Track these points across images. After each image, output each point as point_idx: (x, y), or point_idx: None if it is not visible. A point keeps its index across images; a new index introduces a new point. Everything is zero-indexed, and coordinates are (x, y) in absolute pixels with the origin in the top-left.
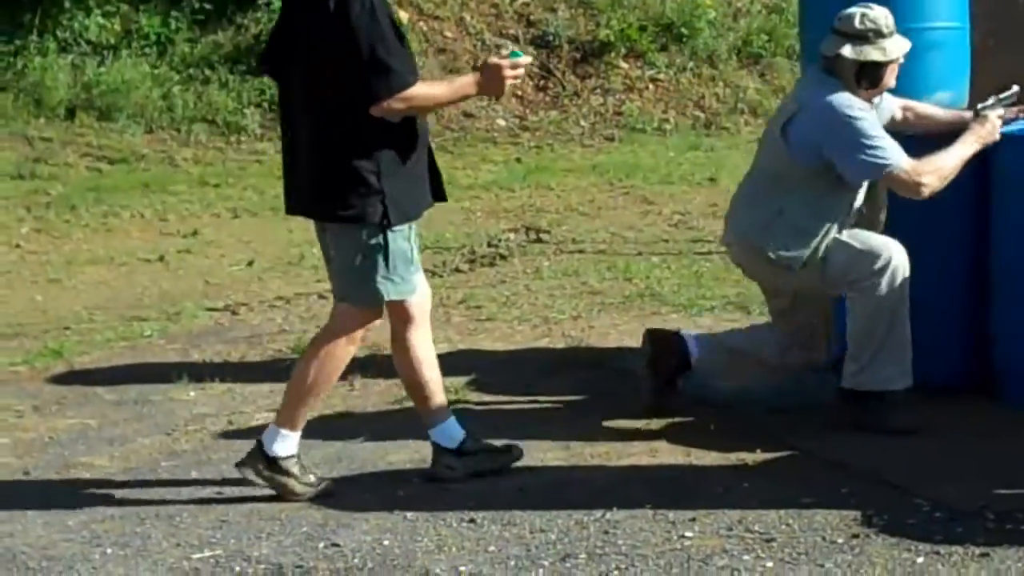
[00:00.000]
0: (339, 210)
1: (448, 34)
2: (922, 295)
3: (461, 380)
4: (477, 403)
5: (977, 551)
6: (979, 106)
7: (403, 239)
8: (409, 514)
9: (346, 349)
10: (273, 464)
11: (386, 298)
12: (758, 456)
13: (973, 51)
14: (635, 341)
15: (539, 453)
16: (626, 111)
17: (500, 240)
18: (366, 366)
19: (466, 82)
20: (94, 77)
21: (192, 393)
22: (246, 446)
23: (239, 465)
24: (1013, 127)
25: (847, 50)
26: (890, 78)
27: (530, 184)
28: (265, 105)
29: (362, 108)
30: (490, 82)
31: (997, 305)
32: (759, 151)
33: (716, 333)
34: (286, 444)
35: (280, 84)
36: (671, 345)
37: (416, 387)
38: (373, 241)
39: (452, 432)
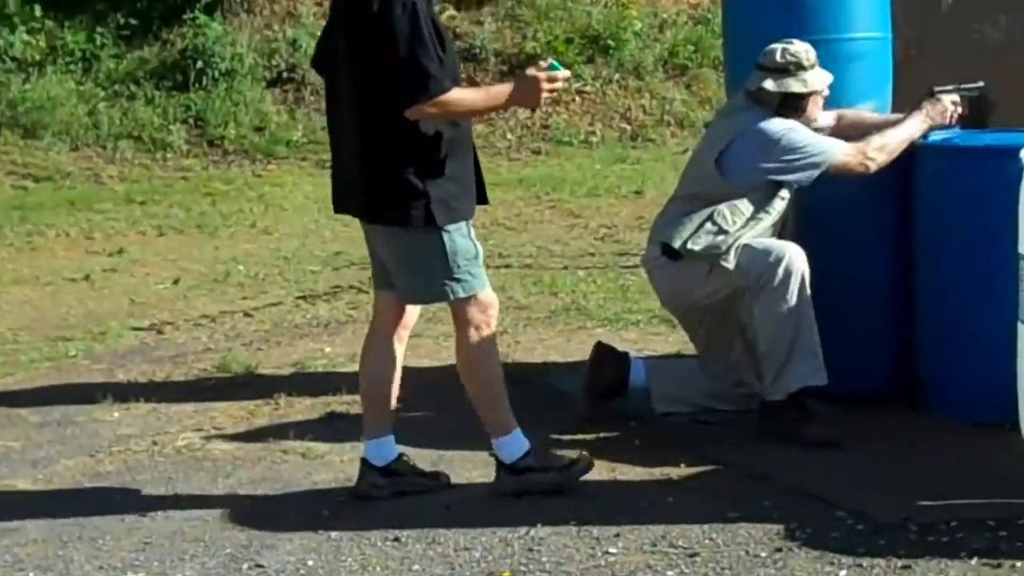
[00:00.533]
0: (385, 212)
1: None
2: (846, 305)
3: None
4: (403, 419)
5: (899, 563)
6: (936, 88)
7: (461, 236)
8: (333, 533)
9: (486, 339)
10: (517, 470)
11: (452, 297)
12: (682, 470)
13: (895, 61)
14: (561, 356)
15: (464, 470)
16: (552, 124)
17: None
18: (291, 384)
19: (502, 91)
20: (19, 94)
21: (116, 414)
22: (170, 467)
23: (501, 493)
24: (936, 137)
25: (769, 83)
26: (813, 109)
27: None
28: (191, 121)
29: (402, 111)
30: (527, 93)
31: (918, 315)
32: (686, 177)
33: (665, 361)
34: (515, 444)
35: (327, 83)
36: (614, 364)
37: (376, 391)
38: (425, 243)
39: (386, 451)
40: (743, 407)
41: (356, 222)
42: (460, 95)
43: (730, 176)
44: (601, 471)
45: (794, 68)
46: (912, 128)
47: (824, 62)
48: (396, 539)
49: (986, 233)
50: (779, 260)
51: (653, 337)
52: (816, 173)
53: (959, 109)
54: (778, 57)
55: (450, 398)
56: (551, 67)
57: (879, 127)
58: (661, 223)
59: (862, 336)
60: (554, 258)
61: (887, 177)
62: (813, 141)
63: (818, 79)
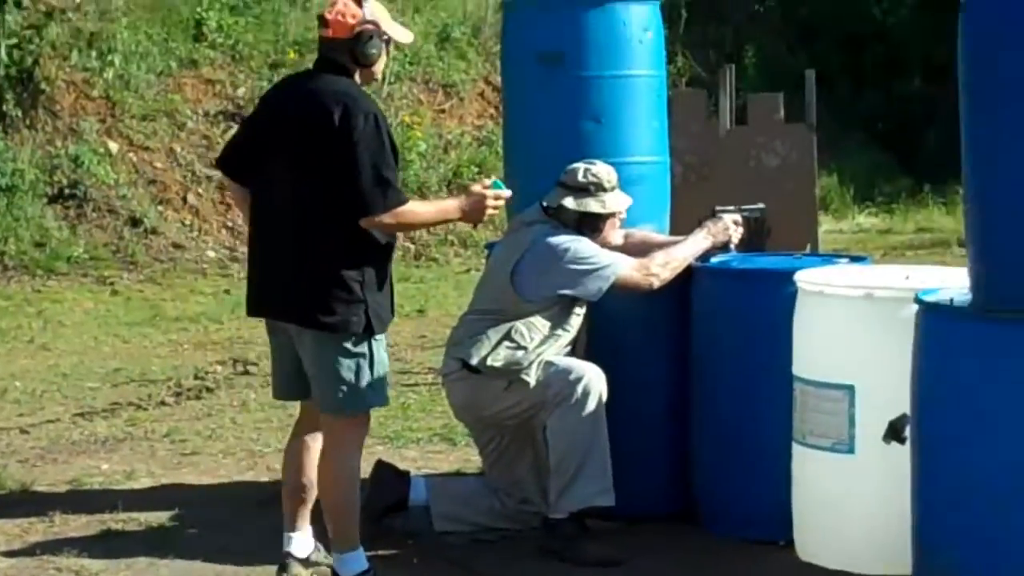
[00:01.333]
0: (323, 316)
1: (158, 165)
2: (628, 423)
3: (164, 515)
4: (181, 538)
5: None
6: (717, 208)
7: (383, 349)
8: None
9: (356, 457)
10: None
11: (366, 406)
12: None
13: (673, 185)
14: None
15: None
16: None
17: (207, 373)
18: (66, 502)
19: (451, 206)
20: None
21: None
22: None
23: None
24: (713, 260)
25: (569, 201)
26: (610, 231)
27: (239, 316)
28: None
29: (353, 219)
30: (474, 209)
31: (695, 434)
32: (481, 290)
33: (446, 480)
34: (356, 562)
35: (252, 188)
36: (395, 482)
37: (301, 491)
38: (359, 349)
39: (306, 544)
40: (524, 525)
41: (135, 338)
42: (414, 208)
43: (522, 290)
44: None
45: (594, 188)
46: (694, 246)
47: None
48: None
49: (761, 355)
50: (579, 379)
51: (434, 455)
52: (604, 286)
53: (740, 229)
54: (580, 176)
55: (226, 516)
56: (494, 185)
57: (664, 246)
58: (458, 337)
59: (643, 454)
60: None
61: (668, 299)
62: (599, 254)
63: (617, 201)
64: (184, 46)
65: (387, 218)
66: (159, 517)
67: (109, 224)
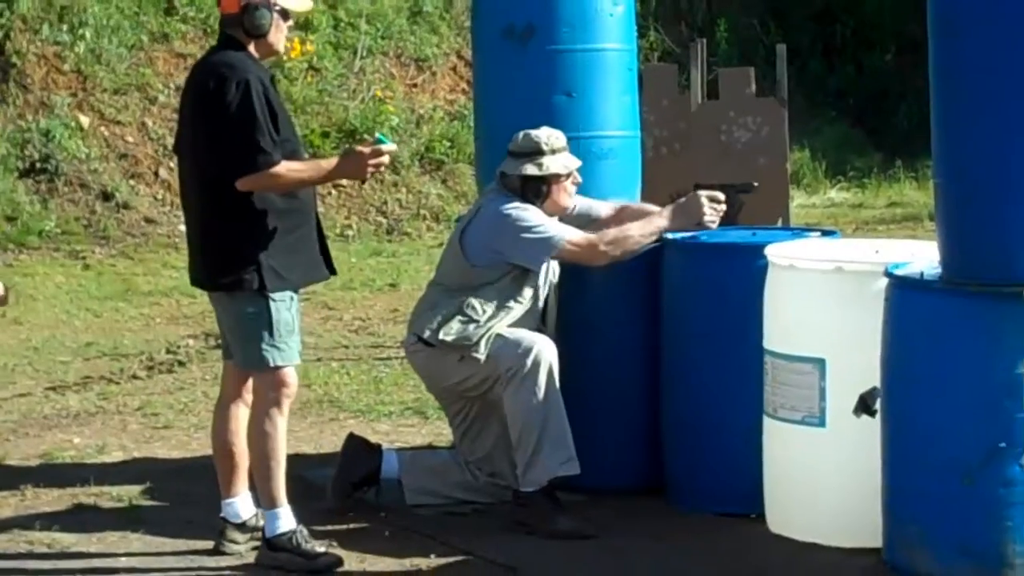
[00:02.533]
0: (218, 278)
1: (130, 139)
2: (599, 398)
3: (136, 488)
4: (152, 511)
5: None
6: (696, 184)
7: (285, 309)
8: None
9: (275, 415)
10: (273, 545)
11: (271, 364)
12: (432, 561)
13: (644, 159)
14: (313, 448)
15: (212, 562)
16: None
17: (179, 346)
18: (38, 476)
19: (326, 165)
20: None
21: None
22: None
23: (259, 563)
24: (683, 234)
25: (509, 166)
26: (560, 195)
27: None
28: None
29: (234, 182)
30: (352, 167)
31: (666, 407)
32: (442, 260)
33: (418, 453)
34: (277, 521)
35: (179, 162)
36: (366, 456)
37: (229, 456)
38: (254, 309)
39: (240, 509)
40: (495, 498)
41: (107, 312)
42: (287, 168)
43: (469, 255)
44: (351, 562)
45: (533, 152)
46: (656, 224)
47: None
48: None
49: (732, 328)
50: (528, 350)
51: (406, 429)
52: (545, 257)
53: (720, 206)
54: (520, 141)
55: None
56: (377, 140)
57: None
58: (419, 309)
59: (614, 428)
60: (308, 350)
61: (638, 273)
62: (543, 223)
63: (556, 163)
64: (156, 20)
65: (258, 179)
66: (131, 491)
67: (81, 198)
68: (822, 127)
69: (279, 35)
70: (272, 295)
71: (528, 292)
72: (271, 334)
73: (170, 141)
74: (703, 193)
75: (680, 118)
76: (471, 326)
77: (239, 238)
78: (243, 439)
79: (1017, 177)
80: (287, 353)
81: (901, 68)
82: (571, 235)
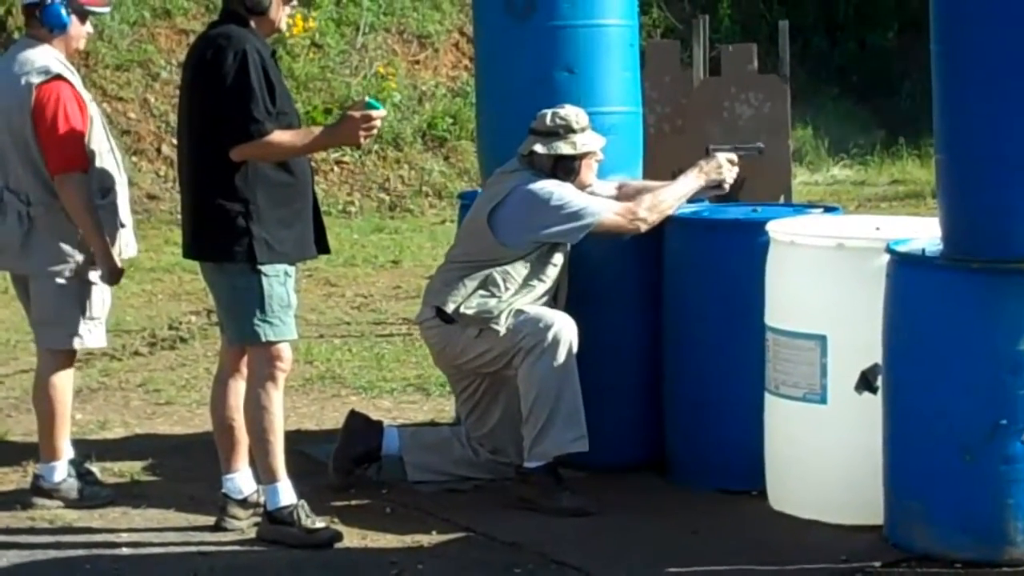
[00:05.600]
0: (208, 248)
1: (132, 115)
2: (600, 373)
3: (138, 464)
4: (153, 487)
5: None
6: (711, 146)
7: (279, 284)
8: None
9: (271, 389)
10: (274, 519)
11: (263, 339)
12: (433, 537)
13: (647, 135)
14: (315, 424)
15: (214, 537)
16: None
17: (181, 323)
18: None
19: (320, 132)
20: None
21: None
22: None
23: (260, 537)
24: (685, 210)
25: (539, 147)
26: (586, 172)
27: None
28: None
29: (228, 151)
30: (345, 133)
31: (666, 384)
32: (459, 240)
33: (419, 430)
34: (278, 495)
35: (178, 135)
36: (368, 432)
37: (229, 431)
38: (244, 282)
39: (243, 485)
40: (495, 475)
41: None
42: (280, 137)
43: (501, 235)
44: (352, 538)
45: (564, 131)
46: (685, 187)
47: None
48: None
49: (733, 305)
50: (549, 326)
51: (408, 405)
52: (583, 232)
53: (735, 168)
54: (548, 121)
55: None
56: (368, 105)
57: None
58: (436, 286)
59: (616, 404)
60: (310, 327)
61: (641, 248)
62: (581, 199)
63: (589, 141)
64: None
65: (252, 148)
66: (133, 467)
67: None
68: (825, 104)
69: (280, 13)
70: (263, 268)
71: (552, 271)
72: (262, 309)
73: (172, 118)
74: (722, 156)
75: (682, 95)
76: (492, 300)
77: (231, 209)
78: (242, 414)
79: (1018, 153)
80: (280, 328)
81: (904, 45)
82: (610, 206)
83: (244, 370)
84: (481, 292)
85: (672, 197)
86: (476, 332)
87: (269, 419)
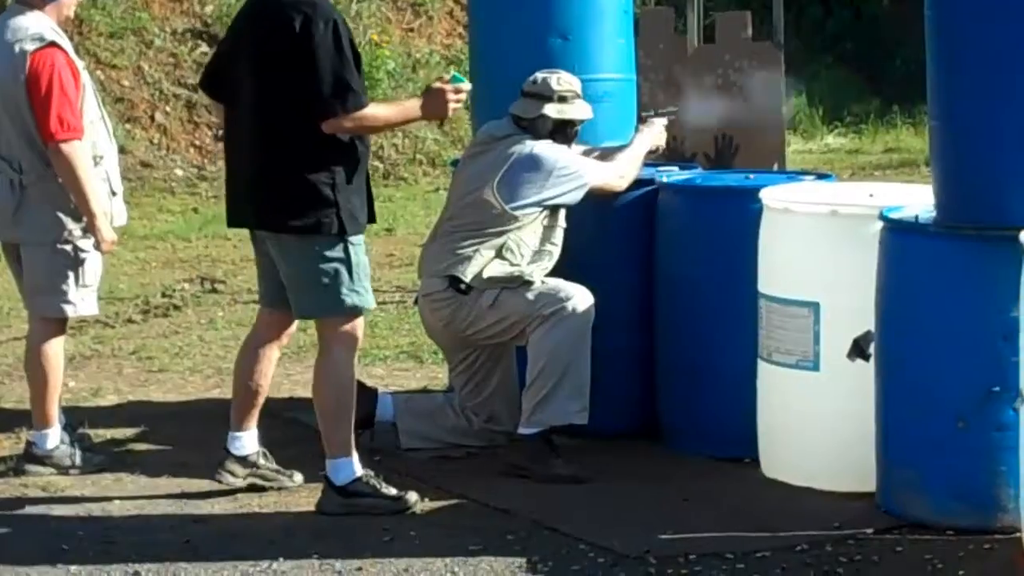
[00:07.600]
0: (293, 221)
1: (126, 83)
2: (593, 342)
3: (131, 431)
4: (146, 454)
5: None
6: (644, 114)
7: (363, 252)
8: (73, 568)
9: (346, 363)
10: (346, 492)
11: (350, 306)
12: (425, 504)
13: (640, 103)
14: (308, 391)
15: (206, 504)
16: None
17: (175, 290)
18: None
19: (411, 106)
20: None
21: None
22: None
23: (324, 512)
24: (675, 177)
25: (550, 109)
26: (572, 139)
27: (207, 234)
28: None
29: (317, 124)
30: (435, 105)
31: (659, 352)
32: (460, 208)
33: (412, 397)
34: (349, 468)
35: (225, 103)
36: (362, 399)
37: (251, 393)
38: (333, 253)
39: (247, 443)
40: (490, 443)
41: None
42: (375, 110)
43: (511, 200)
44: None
45: (571, 96)
46: (642, 145)
47: None
48: (136, 573)
49: (725, 272)
50: (569, 297)
51: (401, 373)
52: (582, 193)
53: (664, 133)
54: (554, 84)
55: (192, 433)
56: (454, 79)
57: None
58: (440, 256)
59: (609, 371)
60: None
61: (633, 215)
62: (579, 160)
63: (588, 109)
64: None
65: (347, 121)
66: (125, 434)
67: None
68: (819, 72)
69: None
70: (351, 239)
71: (559, 234)
72: (351, 278)
73: (166, 86)
74: (659, 120)
75: (676, 62)
76: (512, 268)
77: (316, 180)
78: (269, 379)
79: (1012, 120)
80: (366, 297)
81: (899, 13)
82: (600, 167)
83: (284, 340)
84: (499, 261)
85: (635, 156)
86: (491, 301)
87: (348, 394)
